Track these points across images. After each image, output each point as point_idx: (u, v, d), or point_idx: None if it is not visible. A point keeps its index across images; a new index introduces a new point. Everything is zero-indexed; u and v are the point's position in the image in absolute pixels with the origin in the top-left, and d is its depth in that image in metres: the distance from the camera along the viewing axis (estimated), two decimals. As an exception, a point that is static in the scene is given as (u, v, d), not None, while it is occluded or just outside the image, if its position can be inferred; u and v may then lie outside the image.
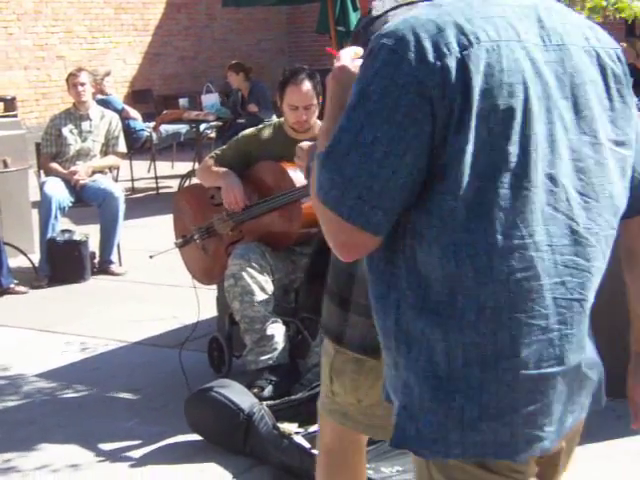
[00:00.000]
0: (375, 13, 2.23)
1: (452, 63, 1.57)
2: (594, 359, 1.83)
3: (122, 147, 7.64)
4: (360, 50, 1.79)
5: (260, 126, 4.81)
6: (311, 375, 4.28)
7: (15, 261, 7.21)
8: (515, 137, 1.60)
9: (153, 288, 6.71)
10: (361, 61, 1.70)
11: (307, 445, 3.77)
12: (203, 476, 3.81)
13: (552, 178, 1.64)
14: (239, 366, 4.66)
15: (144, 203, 10.08)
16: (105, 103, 9.57)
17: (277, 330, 4.36)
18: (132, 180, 10.95)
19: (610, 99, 1.75)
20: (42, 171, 7.56)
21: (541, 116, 1.63)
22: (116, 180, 7.97)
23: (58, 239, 7.00)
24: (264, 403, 3.99)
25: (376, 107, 1.60)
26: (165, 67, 16.24)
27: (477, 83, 1.58)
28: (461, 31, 1.60)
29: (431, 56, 1.58)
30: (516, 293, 1.62)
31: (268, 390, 4.27)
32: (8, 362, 5.24)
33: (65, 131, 7.42)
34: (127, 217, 7.52)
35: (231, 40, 16.64)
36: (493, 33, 1.62)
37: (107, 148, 7.56)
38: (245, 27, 16.89)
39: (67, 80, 7.74)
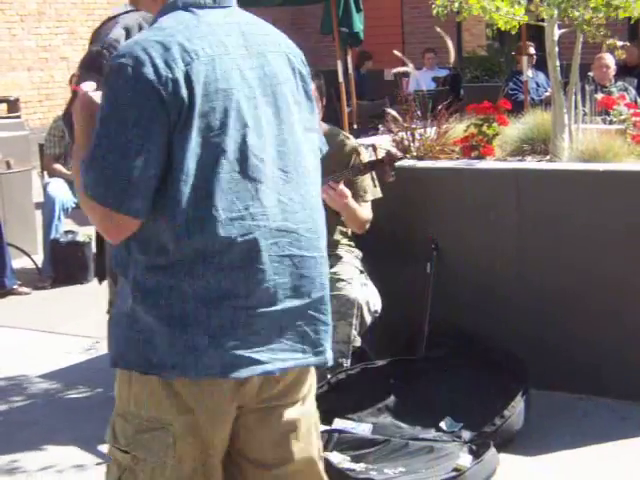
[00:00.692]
0: (111, 15, 2.73)
1: (180, 75, 1.99)
2: (330, 309, 2.24)
3: (125, 148, 7.63)
4: (94, 84, 2.18)
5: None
6: (314, 376, 4.28)
7: (18, 262, 7.22)
8: (231, 132, 2.04)
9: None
10: (99, 92, 2.10)
11: (310, 446, 3.77)
12: (206, 477, 3.81)
13: (262, 161, 2.08)
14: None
15: (147, 204, 10.07)
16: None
17: (280, 331, 4.35)
18: (135, 181, 10.95)
19: (299, 93, 2.23)
20: (45, 172, 7.57)
21: (250, 113, 2.08)
22: (119, 181, 7.95)
23: (61, 240, 7.01)
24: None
25: (125, 114, 1.99)
26: (168, 68, 16.21)
27: (198, 91, 2.00)
28: (184, 49, 2.01)
29: (163, 71, 1.98)
30: (238, 253, 2.05)
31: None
32: (12, 363, 5.24)
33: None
34: (130, 218, 7.51)
35: (234, 41, 16.66)
36: (208, 49, 2.04)
37: (110, 149, 7.56)
38: (248, 28, 16.91)
39: (70, 81, 7.75)
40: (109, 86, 2.03)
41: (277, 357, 2.12)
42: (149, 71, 1.98)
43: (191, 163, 2.01)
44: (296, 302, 2.15)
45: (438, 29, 6.15)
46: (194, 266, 2.04)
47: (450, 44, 6.21)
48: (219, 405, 2.15)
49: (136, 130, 1.98)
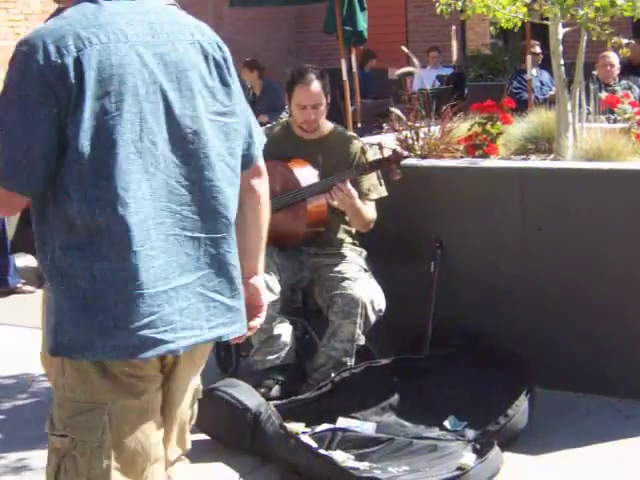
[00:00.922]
0: (61, 6, 2.85)
1: (69, 61, 2.11)
2: (230, 288, 2.35)
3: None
4: None
5: (269, 125, 4.82)
6: (318, 375, 4.28)
7: (22, 261, 7.22)
8: (126, 115, 2.15)
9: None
10: None
11: (314, 445, 3.77)
12: (210, 475, 3.82)
13: (155, 144, 2.19)
14: (246, 366, 4.66)
15: (151, 203, 10.08)
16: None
17: (284, 330, 4.36)
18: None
19: (212, 79, 2.32)
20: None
21: (148, 97, 2.18)
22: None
23: (66, 239, 7.00)
24: (271, 403, 3.99)
25: (14, 97, 2.14)
26: (172, 67, 16.18)
27: (90, 75, 2.11)
28: (78, 37, 2.13)
29: (54, 56, 2.11)
30: (136, 231, 2.16)
31: (275, 390, 4.27)
32: (15, 361, 5.25)
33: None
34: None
35: (238, 40, 16.60)
36: (104, 37, 2.16)
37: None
38: (252, 27, 16.88)
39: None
40: (7, 71, 2.18)
41: (179, 335, 2.24)
42: (40, 57, 2.12)
43: (86, 145, 2.12)
44: (184, 279, 2.26)
45: (453, 27, 6.15)
46: (100, 247, 2.16)
47: (454, 44, 6.22)
48: (149, 375, 2.30)
49: (22, 113, 2.13)
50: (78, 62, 2.12)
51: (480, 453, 3.69)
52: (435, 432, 3.95)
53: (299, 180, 4.43)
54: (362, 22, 10.46)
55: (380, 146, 4.44)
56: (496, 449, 3.70)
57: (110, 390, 2.25)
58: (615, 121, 5.29)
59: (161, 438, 2.39)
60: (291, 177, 4.46)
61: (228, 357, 4.81)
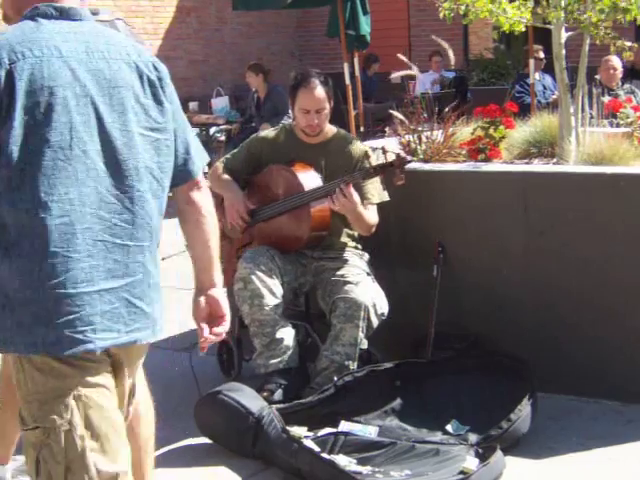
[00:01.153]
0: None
1: (2, 73, 2.27)
2: (148, 295, 2.48)
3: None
4: None
5: (272, 129, 4.83)
6: (320, 379, 4.28)
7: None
8: (55, 124, 2.30)
9: (163, 291, 6.69)
10: None
11: (316, 449, 3.77)
12: (212, 479, 3.82)
13: (85, 153, 2.33)
14: (249, 369, 4.66)
15: (154, 206, 10.06)
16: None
17: (286, 333, 4.36)
18: (142, 183, 10.95)
19: (146, 97, 2.48)
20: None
21: (78, 109, 2.33)
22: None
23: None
24: (273, 406, 3.99)
25: None
26: (175, 71, 16.16)
27: (21, 86, 2.27)
28: (12, 50, 2.29)
29: None
30: (56, 233, 2.29)
31: (278, 394, 4.27)
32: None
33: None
34: (137, 220, 7.51)
35: (241, 43, 16.65)
36: (37, 51, 2.31)
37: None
38: (255, 30, 16.89)
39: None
40: None
41: (98, 336, 2.35)
42: None
43: (15, 150, 2.27)
44: (111, 284, 2.38)
45: (438, 39, 6.15)
46: (24, 247, 2.29)
47: (451, 52, 6.21)
48: (100, 359, 2.41)
49: None
50: (10, 74, 2.27)
51: (483, 457, 3.69)
52: (437, 436, 3.96)
53: (302, 184, 4.43)
54: (365, 26, 10.47)
55: (384, 150, 4.43)
56: (499, 453, 3.70)
57: (70, 375, 2.36)
58: (618, 125, 5.29)
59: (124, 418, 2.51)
60: (294, 181, 4.46)
61: (231, 361, 4.81)
